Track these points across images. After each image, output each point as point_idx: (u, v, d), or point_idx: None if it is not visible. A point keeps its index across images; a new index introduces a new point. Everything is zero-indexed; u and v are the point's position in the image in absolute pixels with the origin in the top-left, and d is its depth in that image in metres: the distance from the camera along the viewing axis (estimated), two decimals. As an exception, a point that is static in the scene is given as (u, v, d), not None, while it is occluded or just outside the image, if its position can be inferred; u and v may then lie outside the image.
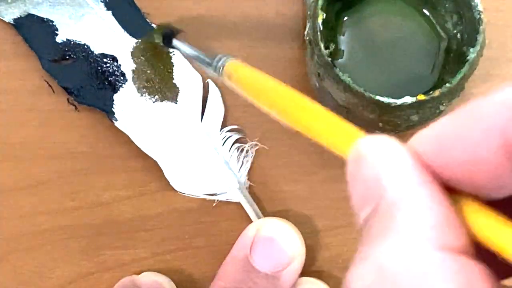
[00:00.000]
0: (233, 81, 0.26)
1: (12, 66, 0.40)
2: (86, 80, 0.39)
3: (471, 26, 0.35)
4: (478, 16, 0.35)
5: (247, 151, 0.39)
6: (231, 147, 0.39)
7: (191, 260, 0.39)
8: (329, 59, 0.34)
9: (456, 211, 0.14)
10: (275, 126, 0.39)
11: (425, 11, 0.39)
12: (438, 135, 0.15)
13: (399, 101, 0.33)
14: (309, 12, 0.37)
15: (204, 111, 0.39)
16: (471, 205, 0.14)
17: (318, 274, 0.39)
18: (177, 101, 0.39)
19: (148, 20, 0.40)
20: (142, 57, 0.39)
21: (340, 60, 0.38)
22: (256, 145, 0.39)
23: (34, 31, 0.39)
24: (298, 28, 0.41)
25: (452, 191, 0.15)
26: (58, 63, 0.39)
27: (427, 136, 0.15)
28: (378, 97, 0.33)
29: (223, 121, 0.39)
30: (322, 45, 0.35)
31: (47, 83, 0.40)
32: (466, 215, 0.14)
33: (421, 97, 0.34)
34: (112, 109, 0.38)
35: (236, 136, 0.39)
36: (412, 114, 0.34)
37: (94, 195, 0.39)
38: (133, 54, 0.39)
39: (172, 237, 0.39)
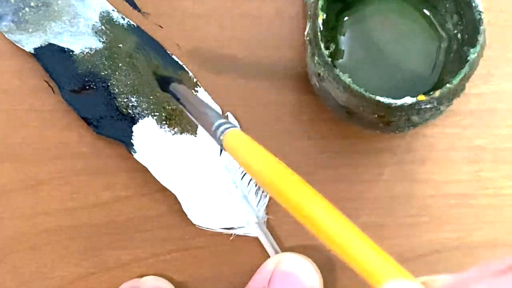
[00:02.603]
0: (230, 153, 0.26)
1: (12, 66, 0.40)
2: (105, 111, 0.38)
3: (471, 26, 0.35)
4: (479, 16, 0.35)
5: None
6: (250, 181, 0.39)
7: (191, 260, 0.39)
8: (329, 59, 0.34)
9: None
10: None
11: (425, 11, 0.38)
12: None
13: (399, 102, 0.33)
14: (309, 12, 0.37)
15: None
16: None
17: (318, 274, 0.39)
18: (196, 134, 0.39)
19: (174, 57, 0.40)
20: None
21: (340, 60, 0.38)
22: None
23: (54, 61, 0.39)
24: (298, 28, 0.41)
25: None
26: (78, 94, 0.39)
27: None
28: (378, 98, 0.33)
29: None
30: (322, 45, 0.34)
31: (47, 83, 0.40)
32: None
33: (422, 97, 0.34)
34: (131, 140, 0.38)
35: None
36: (412, 114, 0.34)
37: (94, 195, 0.39)
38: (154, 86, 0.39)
39: (172, 237, 0.39)
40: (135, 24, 0.40)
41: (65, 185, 0.39)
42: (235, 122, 0.39)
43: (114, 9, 0.40)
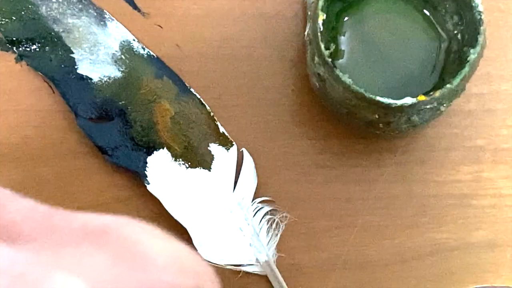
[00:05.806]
0: None
1: (12, 66, 0.40)
2: (121, 141, 0.38)
3: (471, 27, 0.35)
4: (479, 17, 0.35)
5: (277, 224, 0.38)
6: (262, 219, 0.38)
7: (191, 260, 0.39)
8: (330, 59, 0.34)
9: None
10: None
11: (425, 11, 0.38)
12: None
13: (399, 102, 0.33)
14: (309, 13, 0.37)
15: (237, 181, 0.39)
16: None
17: (318, 275, 0.39)
18: (210, 169, 0.39)
19: (192, 90, 0.39)
20: (180, 122, 0.39)
21: (340, 61, 0.38)
22: (286, 217, 0.39)
23: (72, 87, 0.38)
24: (298, 29, 0.41)
25: None
26: (94, 122, 0.38)
27: None
28: (378, 98, 0.33)
29: (255, 191, 0.39)
30: (322, 46, 0.34)
31: (47, 83, 0.40)
32: None
33: (422, 97, 0.34)
34: (145, 171, 0.38)
35: (267, 208, 0.39)
36: (412, 114, 0.34)
37: (94, 195, 0.39)
38: (172, 119, 0.39)
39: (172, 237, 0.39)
40: (155, 55, 0.40)
41: (65, 185, 0.39)
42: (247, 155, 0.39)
43: (135, 38, 0.40)
